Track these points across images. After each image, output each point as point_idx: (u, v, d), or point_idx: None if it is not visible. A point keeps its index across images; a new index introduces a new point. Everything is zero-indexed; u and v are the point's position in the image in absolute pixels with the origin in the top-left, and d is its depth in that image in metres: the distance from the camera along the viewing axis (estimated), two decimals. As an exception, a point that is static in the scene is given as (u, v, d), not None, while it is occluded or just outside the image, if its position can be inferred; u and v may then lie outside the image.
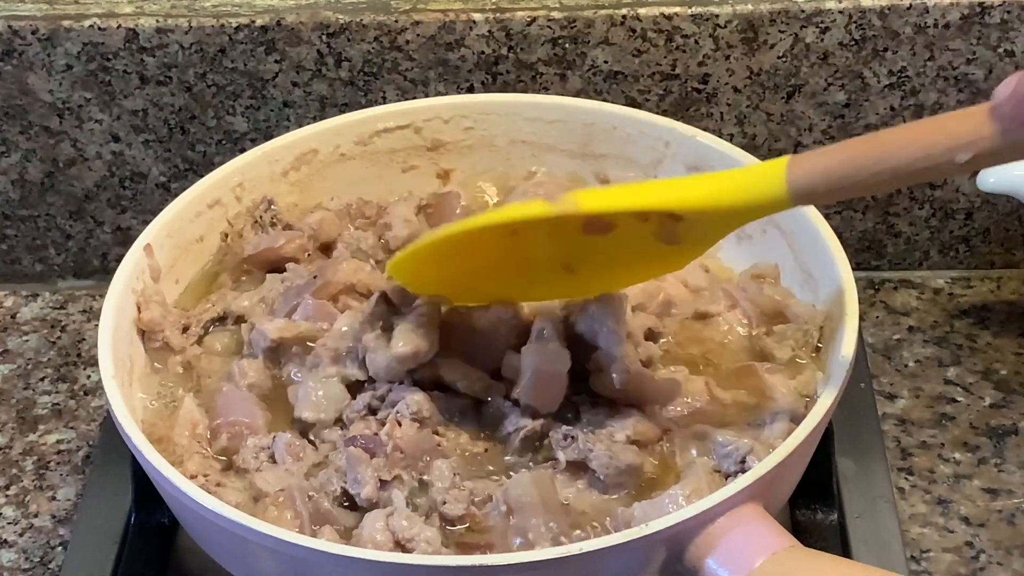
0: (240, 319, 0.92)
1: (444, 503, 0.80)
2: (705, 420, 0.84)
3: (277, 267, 0.95)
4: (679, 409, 0.85)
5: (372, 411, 0.84)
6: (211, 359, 0.91)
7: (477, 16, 1.03)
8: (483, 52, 1.05)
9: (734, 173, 0.79)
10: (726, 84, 1.06)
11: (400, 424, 0.83)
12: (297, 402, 0.86)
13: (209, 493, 0.78)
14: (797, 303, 0.91)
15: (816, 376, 0.86)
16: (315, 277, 0.92)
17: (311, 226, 0.97)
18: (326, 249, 0.97)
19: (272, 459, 0.84)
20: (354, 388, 0.86)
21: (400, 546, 0.78)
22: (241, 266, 0.96)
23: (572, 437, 0.82)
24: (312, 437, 0.85)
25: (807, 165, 0.74)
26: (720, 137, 0.98)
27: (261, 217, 0.97)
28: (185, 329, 0.92)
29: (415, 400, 0.83)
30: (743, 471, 0.79)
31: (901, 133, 0.74)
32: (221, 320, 0.93)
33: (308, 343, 0.89)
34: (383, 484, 0.81)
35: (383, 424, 0.83)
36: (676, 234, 0.78)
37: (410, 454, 0.82)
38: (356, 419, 0.84)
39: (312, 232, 0.96)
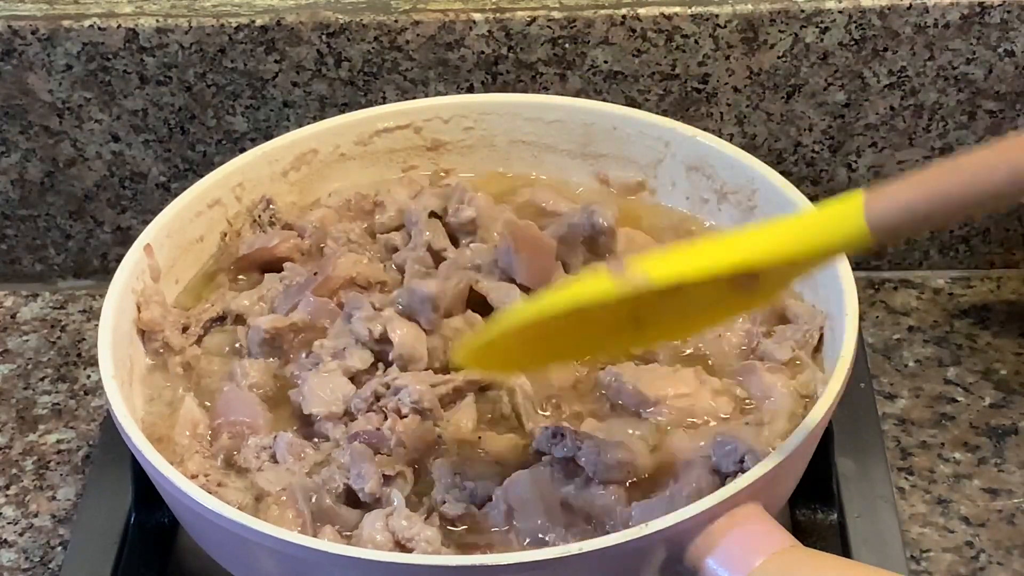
0: (239, 319, 0.92)
1: (444, 503, 0.80)
2: (695, 410, 0.84)
3: (272, 267, 0.95)
4: (667, 397, 0.85)
5: (377, 398, 0.85)
6: (210, 359, 0.91)
7: (477, 16, 1.03)
8: (483, 52, 1.05)
9: (807, 218, 0.77)
10: (726, 84, 1.05)
11: (400, 415, 0.83)
12: (303, 399, 0.85)
13: (209, 493, 0.78)
14: (797, 303, 0.91)
15: (816, 376, 0.86)
16: (315, 274, 0.92)
17: (312, 224, 0.96)
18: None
19: (273, 459, 0.84)
20: (357, 379, 0.86)
21: (400, 546, 0.78)
22: (238, 265, 0.96)
23: (561, 435, 0.82)
24: (315, 433, 0.85)
25: (886, 200, 0.70)
26: (720, 137, 0.98)
27: (259, 216, 0.97)
28: (185, 329, 0.92)
29: (417, 390, 0.83)
30: (742, 471, 0.79)
31: (983, 157, 0.69)
32: (220, 320, 0.93)
33: (307, 340, 0.89)
34: (387, 479, 0.81)
35: (386, 418, 0.83)
36: (751, 284, 0.75)
37: (412, 447, 0.82)
38: (363, 409, 0.84)
39: (314, 230, 0.96)
